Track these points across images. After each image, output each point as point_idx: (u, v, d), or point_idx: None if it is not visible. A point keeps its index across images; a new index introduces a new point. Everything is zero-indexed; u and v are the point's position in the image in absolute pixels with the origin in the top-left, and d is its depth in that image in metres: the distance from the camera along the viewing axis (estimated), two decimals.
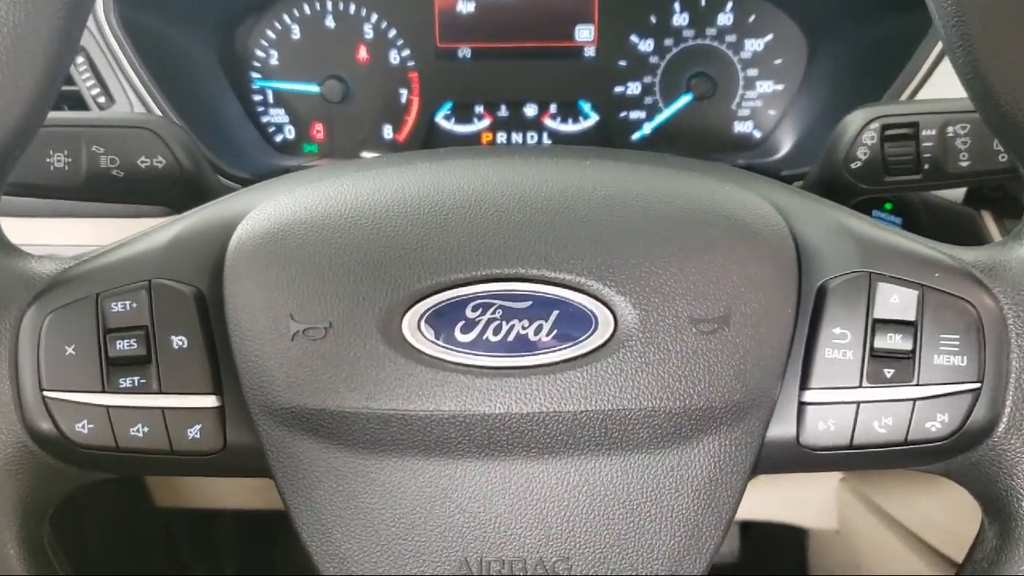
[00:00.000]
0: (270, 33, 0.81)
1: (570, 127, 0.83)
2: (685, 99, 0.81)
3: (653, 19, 0.80)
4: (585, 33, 0.80)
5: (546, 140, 0.84)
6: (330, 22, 0.81)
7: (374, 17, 0.81)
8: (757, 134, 0.82)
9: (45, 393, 0.41)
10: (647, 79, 0.81)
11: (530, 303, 0.40)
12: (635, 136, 0.83)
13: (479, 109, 0.83)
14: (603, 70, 0.82)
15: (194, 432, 0.42)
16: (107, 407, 0.42)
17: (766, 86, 0.82)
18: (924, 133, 0.54)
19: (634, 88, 0.82)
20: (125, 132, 0.58)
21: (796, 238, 0.42)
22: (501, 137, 0.84)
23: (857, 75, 0.74)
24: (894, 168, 0.54)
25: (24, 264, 0.43)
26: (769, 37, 0.79)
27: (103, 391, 0.42)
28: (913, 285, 0.41)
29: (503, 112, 0.83)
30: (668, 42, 0.80)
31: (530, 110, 0.83)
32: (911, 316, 0.41)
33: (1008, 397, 0.40)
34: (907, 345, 0.41)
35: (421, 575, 0.41)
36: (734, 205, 0.42)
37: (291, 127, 0.83)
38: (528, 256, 0.40)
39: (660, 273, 0.41)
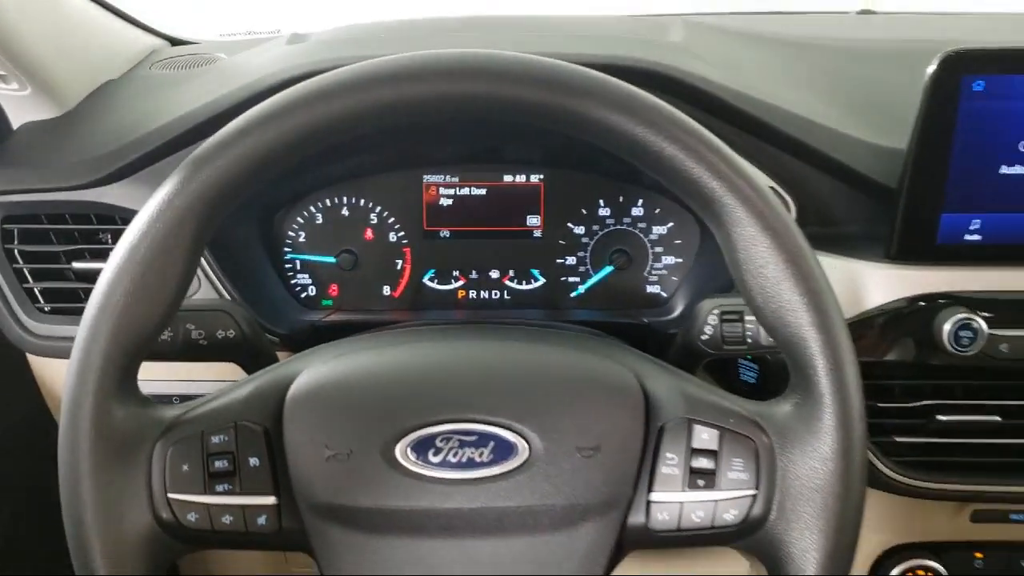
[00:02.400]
0: (299, 219, 0.97)
1: (524, 287, 0.99)
2: (608, 269, 0.98)
3: (584, 211, 0.97)
4: (534, 220, 0.98)
5: (506, 297, 0.99)
6: (345, 211, 0.97)
7: (378, 208, 0.97)
8: (663, 295, 0.98)
9: (169, 495, 0.58)
10: (580, 254, 0.98)
11: (476, 437, 0.59)
12: (572, 294, 0.98)
13: (456, 274, 1.00)
14: (548, 247, 0.98)
15: (262, 520, 0.59)
16: (207, 504, 0.59)
17: (669, 260, 0.98)
18: (747, 318, 0.77)
19: (571, 260, 0.98)
20: (209, 314, 0.76)
21: (646, 395, 0.60)
22: (472, 294, 1.00)
23: None
24: (728, 340, 0.77)
25: (154, 411, 0.60)
26: (671, 224, 0.96)
27: (204, 493, 0.59)
28: (716, 427, 0.59)
29: (474, 275, 0.99)
30: (595, 227, 0.97)
31: (494, 274, 0.99)
32: (715, 447, 0.58)
33: (775, 499, 0.57)
34: (711, 465, 0.58)
35: None
36: (606, 372, 0.62)
37: (313, 287, 0.99)
38: (475, 408, 0.59)
39: (556, 418, 0.59)
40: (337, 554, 0.60)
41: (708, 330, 0.76)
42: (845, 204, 0.84)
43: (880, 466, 0.82)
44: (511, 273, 1.00)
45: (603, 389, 0.61)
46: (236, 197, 0.59)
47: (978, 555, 0.90)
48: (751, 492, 0.58)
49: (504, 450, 0.59)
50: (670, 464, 0.59)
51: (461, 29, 1.00)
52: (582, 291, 1.00)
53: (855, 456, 0.57)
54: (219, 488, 0.60)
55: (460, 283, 1.01)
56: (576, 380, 0.62)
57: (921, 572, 0.89)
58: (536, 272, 1.00)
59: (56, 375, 0.94)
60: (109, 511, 0.57)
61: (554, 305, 0.99)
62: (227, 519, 0.60)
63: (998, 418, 0.81)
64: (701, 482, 0.59)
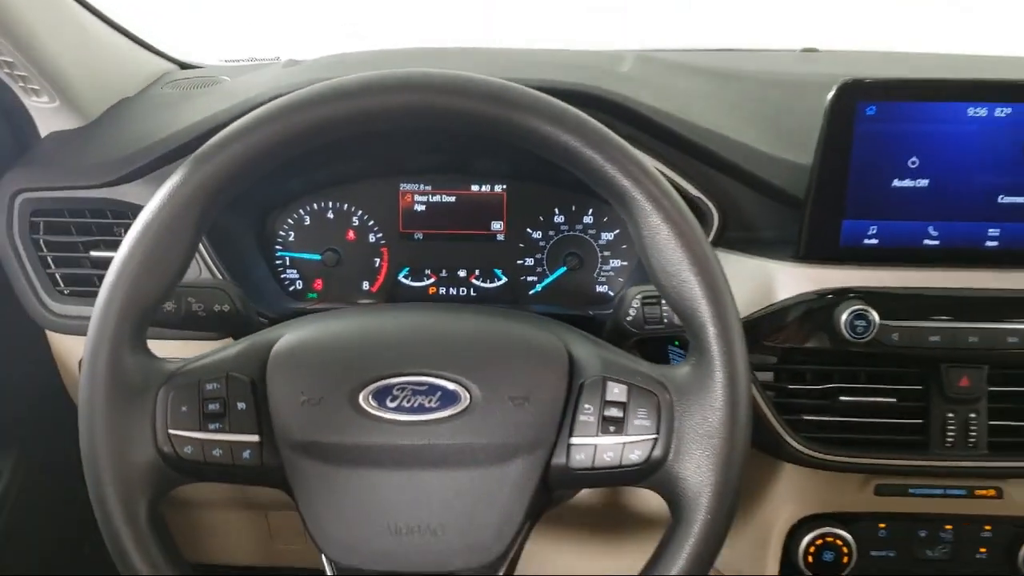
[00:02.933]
0: (289, 220, 1.09)
1: (488, 285, 1.10)
2: (562, 269, 1.09)
3: (541, 218, 1.08)
4: (498, 226, 1.09)
5: (472, 293, 1.10)
6: (330, 214, 1.09)
7: (359, 212, 1.09)
8: (611, 293, 1.08)
9: (169, 431, 0.69)
10: (537, 256, 1.09)
11: (426, 387, 0.70)
12: (531, 292, 1.09)
13: (428, 272, 1.10)
14: (509, 250, 1.09)
15: (246, 454, 0.70)
16: (201, 439, 0.70)
17: (615, 262, 1.08)
18: (663, 301, 0.89)
19: (530, 261, 1.10)
20: (207, 291, 0.88)
21: (571, 358, 0.72)
22: (442, 290, 1.10)
23: None
24: (649, 321, 0.89)
25: (159, 363, 0.72)
26: (617, 231, 1.08)
27: (199, 430, 0.70)
28: (626, 383, 0.70)
29: (444, 274, 1.10)
30: (551, 233, 1.08)
31: (461, 273, 1.10)
32: (624, 399, 0.70)
33: (673, 442, 0.68)
34: (620, 414, 0.69)
35: (371, 534, 0.69)
36: (538, 339, 0.73)
37: (300, 281, 1.11)
38: (426, 364, 0.71)
39: (493, 373, 0.71)
40: (309, 484, 0.71)
41: (632, 312, 0.88)
42: (762, 212, 0.97)
43: (791, 441, 0.93)
44: (477, 272, 1.12)
45: (534, 351, 0.73)
46: (231, 189, 0.70)
47: (882, 525, 1.01)
48: (653, 436, 0.70)
49: (449, 398, 0.71)
50: (587, 413, 0.71)
51: (434, 56, 1.13)
52: (539, 289, 1.11)
53: (740, 407, 0.68)
54: (211, 427, 0.71)
55: (431, 280, 1.12)
56: (512, 344, 0.74)
57: (830, 539, 1.00)
58: (499, 271, 1.12)
59: (71, 351, 1.07)
60: (119, 443, 0.69)
61: (514, 301, 1.11)
62: (217, 452, 0.71)
63: (893, 400, 0.93)
64: (612, 428, 0.70)
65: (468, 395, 0.71)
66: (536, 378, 0.72)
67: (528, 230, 1.10)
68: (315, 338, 0.75)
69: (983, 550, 1.00)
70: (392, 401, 0.71)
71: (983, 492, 0.98)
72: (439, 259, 1.12)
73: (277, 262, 1.12)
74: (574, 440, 0.71)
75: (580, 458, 0.71)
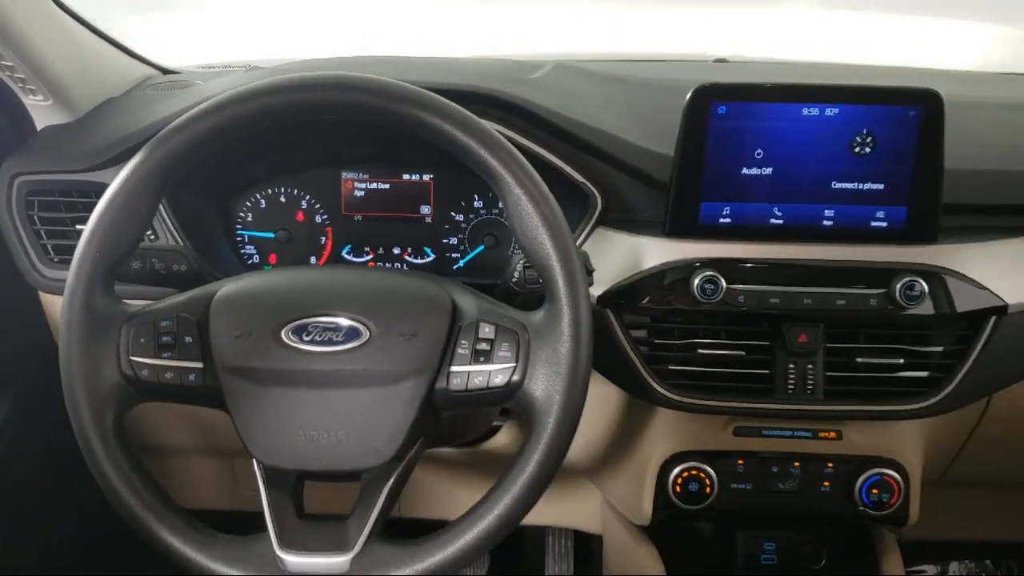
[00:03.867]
0: (247, 203, 1.27)
1: (418, 261, 1.27)
2: (480, 247, 1.26)
3: (463, 203, 1.24)
4: (426, 210, 1.26)
5: (405, 268, 1.28)
6: (282, 198, 1.27)
7: (307, 196, 1.26)
8: None
9: (131, 358, 0.86)
10: (460, 236, 1.26)
11: (334, 325, 0.87)
12: (454, 267, 1.26)
13: (367, 249, 1.27)
14: (436, 230, 1.26)
15: (192, 377, 0.87)
16: (156, 364, 0.86)
17: None
18: None
19: (453, 240, 1.26)
20: (168, 252, 1.04)
21: (453, 305, 0.89)
22: (379, 265, 1.27)
23: None
24: (529, 282, 1.05)
25: (124, 305, 0.89)
26: None
27: (154, 357, 0.87)
28: (494, 324, 0.86)
29: (380, 251, 1.27)
30: (471, 216, 1.25)
31: (396, 250, 1.27)
32: (492, 337, 0.85)
33: (528, 370, 0.84)
34: (488, 348, 0.85)
35: (289, 440, 0.85)
36: (428, 289, 0.90)
37: (257, 256, 1.28)
38: (334, 307, 0.87)
39: (389, 314, 0.87)
40: (241, 401, 0.88)
41: (516, 275, 1.05)
42: (637, 197, 1.14)
43: (658, 387, 1.11)
44: (409, 250, 1.29)
45: (423, 298, 0.91)
46: (183, 167, 0.89)
47: (740, 462, 1.18)
48: (513, 364, 0.86)
49: (352, 333, 0.88)
50: (463, 347, 0.88)
51: (374, 63, 1.32)
52: (461, 264, 1.29)
53: (582, 343, 0.86)
54: (164, 355, 0.88)
55: (370, 256, 1.30)
56: (406, 292, 0.92)
57: (696, 472, 1.18)
58: (428, 249, 1.29)
59: (59, 309, 1.25)
60: (90, 366, 0.87)
61: (440, 275, 1.29)
62: (169, 375, 0.88)
63: (743, 352, 1.11)
64: (482, 359, 0.87)
65: (368, 331, 0.89)
66: (424, 319, 0.89)
67: (452, 213, 1.27)
68: (248, 287, 0.93)
69: (826, 484, 1.18)
70: (307, 336, 0.88)
71: (825, 434, 1.16)
72: (377, 238, 1.29)
73: (237, 239, 1.29)
74: (453, 368, 0.87)
75: (456, 382, 0.88)
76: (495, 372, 0.88)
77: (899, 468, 1.16)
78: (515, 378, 0.87)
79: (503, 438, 1.34)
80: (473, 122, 0.87)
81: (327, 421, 0.87)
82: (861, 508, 1.17)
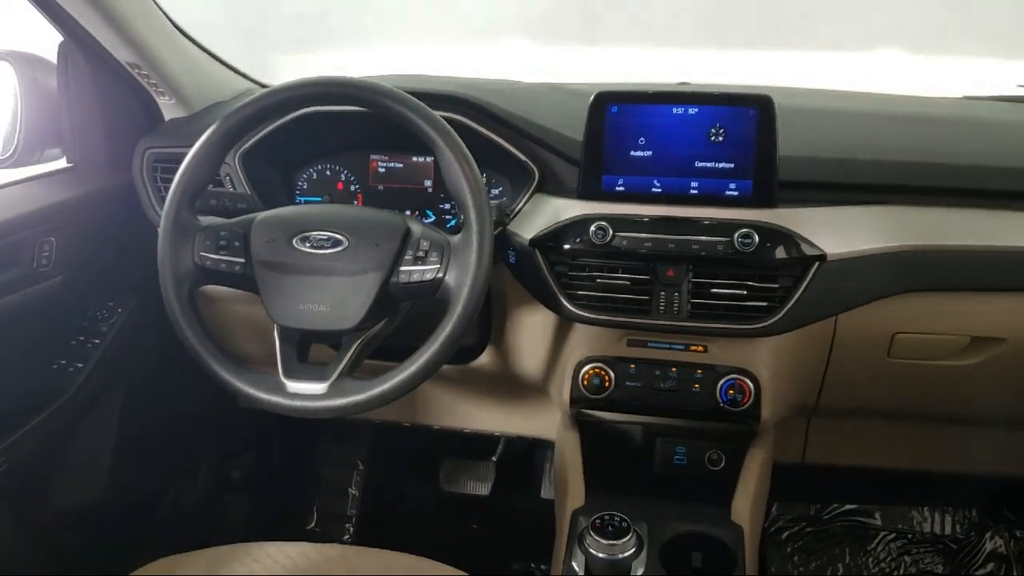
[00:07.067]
0: (304, 175, 1.72)
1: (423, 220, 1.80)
2: None
3: None
4: (428, 183, 1.67)
5: None
6: (328, 172, 1.71)
7: (345, 171, 1.69)
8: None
9: (200, 253, 1.35)
10: (452, 202, 1.66)
11: (327, 237, 1.35)
12: (448, 225, 1.71)
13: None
14: (435, 198, 1.66)
15: (237, 268, 1.35)
16: (216, 258, 1.34)
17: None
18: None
19: (447, 206, 1.65)
20: (237, 196, 1.54)
21: (407, 228, 1.36)
22: None
23: None
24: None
25: (198, 221, 1.37)
26: (500, 187, 1.72)
27: (215, 254, 1.35)
28: (429, 240, 1.33)
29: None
30: None
31: (407, 213, 1.68)
32: (427, 248, 1.31)
33: (449, 270, 1.29)
34: (424, 255, 1.30)
35: (293, 309, 1.42)
36: (392, 218, 1.37)
37: None
38: (326, 226, 1.37)
39: (362, 231, 1.35)
40: (266, 284, 1.37)
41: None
42: (564, 172, 1.59)
43: (569, 306, 1.54)
44: (416, 212, 1.71)
45: (387, 223, 1.39)
46: (243, 133, 1.42)
47: (632, 366, 1.56)
48: (438, 266, 1.33)
49: (337, 242, 1.37)
50: (408, 255, 1.34)
51: (415, 79, 1.82)
52: (452, 223, 1.72)
53: (484, 253, 1.31)
54: (221, 253, 1.40)
55: None
56: (376, 219, 1.41)
57: (599, 371, 1.59)
58: (429, 212, 1.70)
59: None
60: (175, 256, 1.40)
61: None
62: (223, 266, 1.40)
63: (628, 282, 1.54)
64: (419, 263, 1.33)
65: (347, 241, 1.38)
66: (386, 235, 1.37)
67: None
68: (276, 214, 1.44)
69: (696, 385, 1.56)
70: (309, 243, 1.37)
71: (695, 348, 1.56)
72: (392, 203, 1.69)
73: (297, 203, 1.83)
74: (401, 268, 1.32)
75: (403, 278, 1.35)
76: (427, 271, 1.33)
77: (751, 376, 1.54)
78: (439, 275, 1.34)
79: (485, 358, 1.80)
80: (422, 109, 1.34)
81: (318, 298, 1.35)
82: (722, 405, 1.55)
